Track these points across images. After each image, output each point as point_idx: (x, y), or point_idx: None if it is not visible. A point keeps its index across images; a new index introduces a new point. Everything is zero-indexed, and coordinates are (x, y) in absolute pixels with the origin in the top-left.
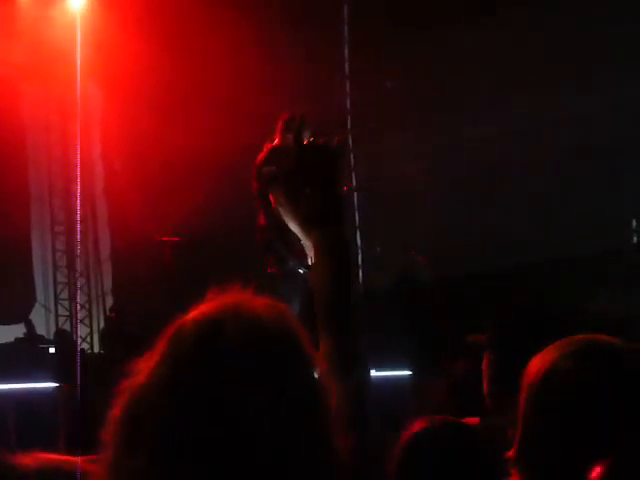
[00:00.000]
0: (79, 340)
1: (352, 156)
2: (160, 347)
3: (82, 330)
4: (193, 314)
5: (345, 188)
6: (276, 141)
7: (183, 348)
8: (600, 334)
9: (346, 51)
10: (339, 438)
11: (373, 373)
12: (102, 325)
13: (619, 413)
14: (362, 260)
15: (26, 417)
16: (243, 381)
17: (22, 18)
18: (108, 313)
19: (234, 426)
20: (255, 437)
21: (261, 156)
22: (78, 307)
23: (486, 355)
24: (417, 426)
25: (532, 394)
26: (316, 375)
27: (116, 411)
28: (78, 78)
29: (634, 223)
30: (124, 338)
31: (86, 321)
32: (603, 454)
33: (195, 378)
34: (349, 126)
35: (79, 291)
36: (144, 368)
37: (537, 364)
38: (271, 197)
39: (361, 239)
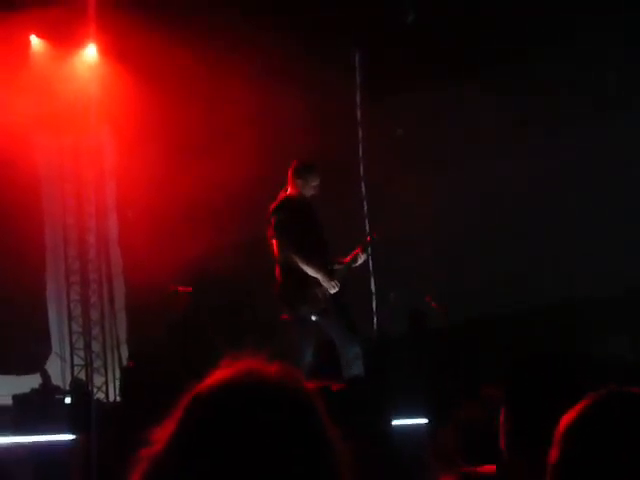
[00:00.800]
0: (94, 389)
1: (366, 203)
2: (177, 416)
3: (97, 379)
4: (209, 382)
5: (369, 239)
6: (289, 191)
7: (200, 417)
8: (620, 384)
9: (358, 97)
10: None
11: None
12: (118, 374)
13: None
14: (376, 306)
15: (43, 469)
16: (262, 450)
17: (34, 69)
18: (126, 363)
19: None
20: None
21: (274, 204)
22: (93, 356)
23: (503, 410)
24: None
25: (561, 448)
26: (330, 439)
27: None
28: (92, 127)
29: None
30: (144, 387)
31: (101, 370)
32: None
33: (213, 448)
34: (362, 173)
35: (94, 340)
36: (162, 437)
37: (566, 419)
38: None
39: (375, 285)
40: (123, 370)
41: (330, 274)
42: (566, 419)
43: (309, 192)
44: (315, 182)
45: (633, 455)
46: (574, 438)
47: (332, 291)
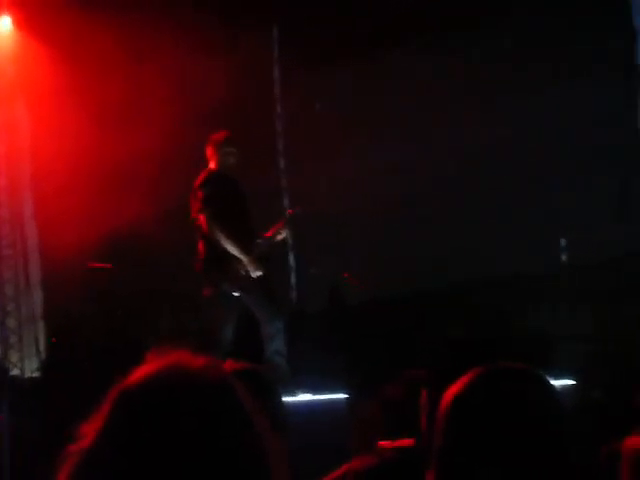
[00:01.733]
0: (10, 366)
1: (285, 178)
2: (104, 411)
3: (13, 356)
4: (135, 377)
5: (291, 212)
6: (211, 167)
7: (128, 412)
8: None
9: (276, 71)
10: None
11: (310, 397)
12: (34, 351)
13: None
14: (295, 282)
15: None
16: (191, 442)
17: None
18: (48, 339)
19: None
20: None
21: (199, 180)
22: (8, 332)
23: (424, 392)
24: (364, 461)
25: (445, 419)
26: (255, 430)
27: (61, 476)
28: (5, 101)
29: (563, 242)
30: (68, 363)
31: (17, 347)
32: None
33: (141, 443)
34: (280, 147)
35: (9, 317)
36: (89, 432)
37: (450, 392)
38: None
39: (295, 261)
40: (47, 346)
41: (250, 253)
42: (450, 393)
43: (229, 163)
44: (232, 150)
45: (506, 425)
46: (458, 412)
47: (251, 271)
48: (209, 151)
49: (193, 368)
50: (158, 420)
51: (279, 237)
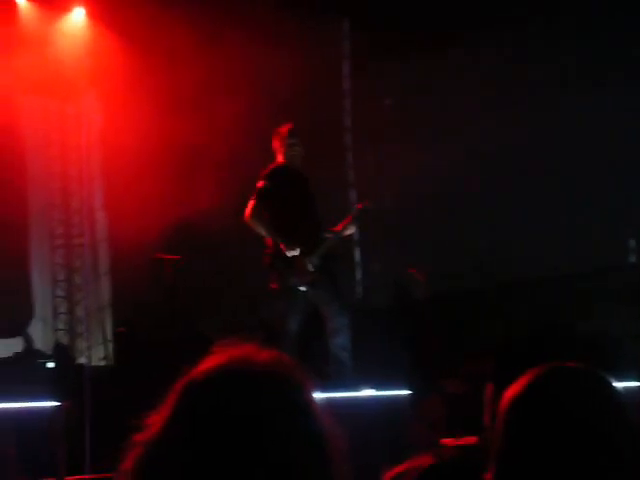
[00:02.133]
0: (77, 354)
1: (352, 173)
2: (171, 401)
3: (80, 344)
4: (202, 368)
5: (360, 206)
6: (278, 160)
7: (194, 403)
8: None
9: (346, 67)
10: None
11: (373, 393)
12: (101, 339)
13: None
14: (361, 277)
15: (26, 436)
16: (256, 435)
17: (22, 32)
18: (114, 328)
19: None
20: None
21: (263, 173)
22: (76, 321)
23: (488, 387)
24: (424, 461)
25: (503, 419)
26: (320, 426)
27: (127, 465)
28: (78, 91)
29: (632, 243)
30: (137, 353)
31: (84, 335)
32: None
33: (207, 434)
34: (349, 142)
35: (77, 305)
36: (155, 422)
37: (508, 393)
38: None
39: (360, 256)
40: (115, 336)
41: (289, 242)
42: (509, 394)
43: (295, 158)
44: (295, 142)
45: (566, 428)
46: (516, 412)
47: (289, 254)
48: (275, 144)
49: (259, 361)
50: (222, 412)
51: (347, 232)
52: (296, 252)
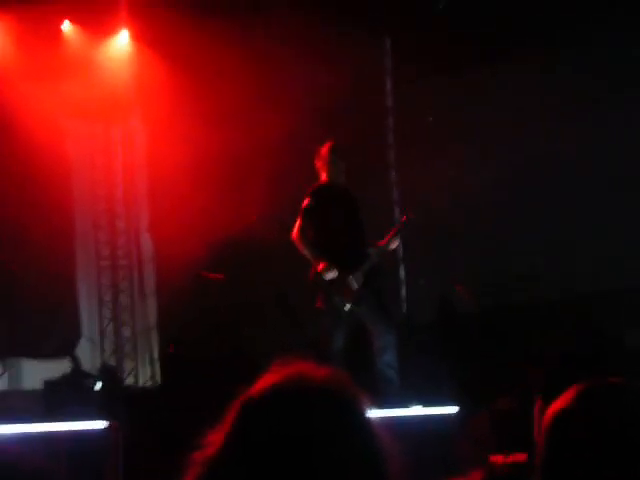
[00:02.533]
0: (125, 375)
1: (395, 189)
2: (229, 420)
3: (128, 364)
4: (260, 387)
5: (405, 219)
6: (322, 179)
7: (251, 423)
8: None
9: (389, 83)
10: None
11: (420, 410)
12: (148, 360)
13: (617, 446)
14: (406, 293)
15: (76, 457)
16: (312, 455)
17: (67, 55)
18: (162, 349)
19: None
20: None
21: (309, 190)
22: (123, 341)
23: (538, 400)
24: (475, 477)
25: (547, 434)
26: (375, 445)
27: None
28: (123, 114)
29: None
30: (186, 373)
31: (131, 355)
32: None
33: (263, 454)
34: (391, 159)
35: (124, 326)
36: (214, 441)
37: (552, 408)
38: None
39: (405, 272)
40: (163, 356)
41: (329, 265)
42: (552, 409)
43: (339, 175)
44: (340, 161)
45: (612, 443)
46: (559, 427)
47: (329, 277)
48: (318, 162)
49: (315, 381)
50: (278, 432)
51: (392, 246)
52: (334, 275)
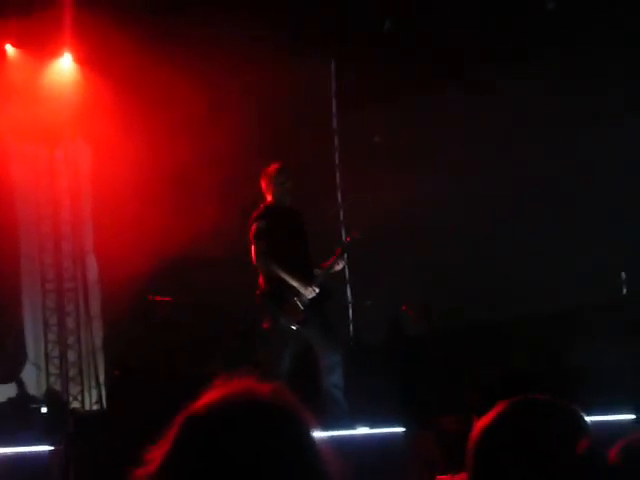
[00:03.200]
0: (70, 398)
1: (342, 210)
2: (171, 435)
3: (73, 389)
4: (203, 403)
5: (349, 239)
6: (268, 200)
7: (195, 436)
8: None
9: (334, 106)
10: None
11: (367, 431)
12: (94, 383)
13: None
14: (352, 314)
15: None
16: (258, 468)
17: (10, 78)
18: (108, 372)
19: None
20: None
21: (255, 213)
22: (69, 365)
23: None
24: None
25: (474, 450)
26: (322, 457)
27: None
28: (68, 136)
29: (623, 275)
30: (131, 397)
31: (77, 379)
32: None
33: (204, 468)
34: (338, 180)
35: (69, 349)
36: (156, 457)
37: (479, 425)
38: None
39: (351, 293)
40: (108, 379)
41: (306, 279)
42: (478, 425)
43: (285, 196)
44: (286, 182)
45: (529, 458)
46: (484, 442)
47: (310, 296)
48: (264, 184)
49: (261, 394)
50: (224, 445)
51: (337, 267)
52: (313, 293)
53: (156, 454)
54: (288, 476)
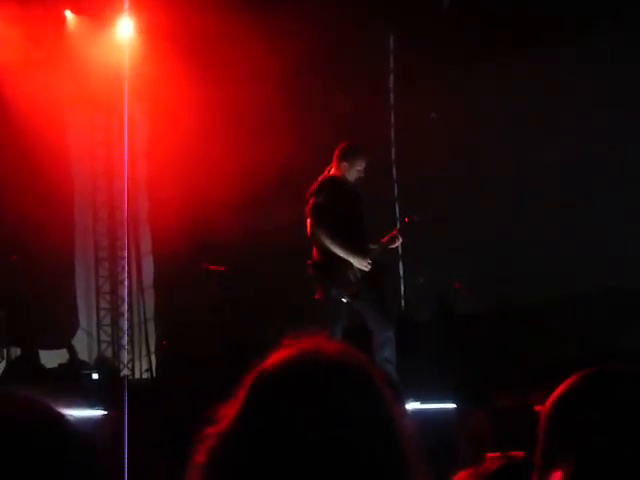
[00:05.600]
0: (121, 366)
1: (396, 186)
2: (241, 395)
3: (124, 356)
4: (272, 361)
5: (407, 220)
6: (332, 171)
7: (266, 395)
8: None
9: (391, 81)
10: (419, 467)
11: (419, 406)
12: (144, 351)
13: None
14: (404, 291)
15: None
16: (328, 428)
17: (68, 46)
18: (159, 341)
19: (320, 474)
20: None
21: (315, 185)
22: (120, 333)
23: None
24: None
25: (544, 421)
26: (393, 418)
27: (199, 458)
28: (125, 106)
29: None
30: (180, 366)
31: (128, 347)
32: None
33: (278, 427)
34: (393, 157)
35: (121, 317)
36: (226, 415)
37: (553, 394)
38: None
39: (404, 270)
40: (158, 349)
41: (362, 253)
42: (554, 395)
43: (353, 175)
44: (360, 166)
45: (613, 430)
46: (557, 413)
47: (365, 269)
48: (337, 156)
49: (330, 352)
50: (295, 403)
51: (393, 245)
52: (367, 267)
53: (226, 412)
54: (361, 430)
